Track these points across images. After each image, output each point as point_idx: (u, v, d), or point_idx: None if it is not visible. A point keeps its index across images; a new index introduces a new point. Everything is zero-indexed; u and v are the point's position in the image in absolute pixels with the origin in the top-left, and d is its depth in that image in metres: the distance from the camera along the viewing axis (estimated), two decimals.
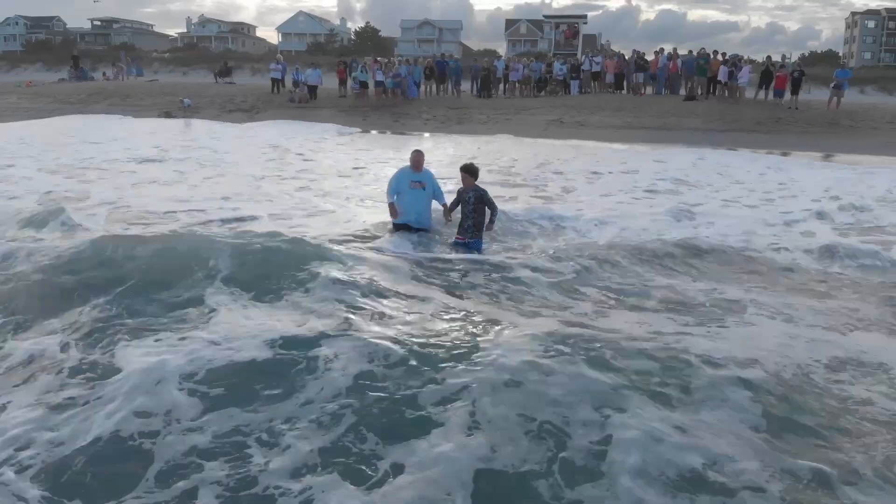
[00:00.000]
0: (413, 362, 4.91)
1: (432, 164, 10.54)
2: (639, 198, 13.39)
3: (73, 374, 4.87)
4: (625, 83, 29.24)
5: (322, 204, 11.84)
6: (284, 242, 7.17)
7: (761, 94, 26.55)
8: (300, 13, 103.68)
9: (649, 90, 29.10)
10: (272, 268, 6.59)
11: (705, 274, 8.25)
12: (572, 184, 14.71)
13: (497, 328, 5.55)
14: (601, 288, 7.39)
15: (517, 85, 30.51)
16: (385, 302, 6.13)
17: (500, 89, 31.14)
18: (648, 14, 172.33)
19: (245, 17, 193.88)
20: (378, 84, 28.63)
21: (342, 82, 30.55)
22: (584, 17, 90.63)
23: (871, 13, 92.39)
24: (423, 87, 30.11)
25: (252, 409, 4.40)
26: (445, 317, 5.90)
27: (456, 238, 8.68)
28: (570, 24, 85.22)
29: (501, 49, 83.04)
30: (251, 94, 31.21)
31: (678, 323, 6.21)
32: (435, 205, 8.99)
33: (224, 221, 10.20)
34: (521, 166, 16.74)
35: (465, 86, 31.22)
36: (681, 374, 4.81)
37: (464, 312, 6.04)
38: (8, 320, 5.82)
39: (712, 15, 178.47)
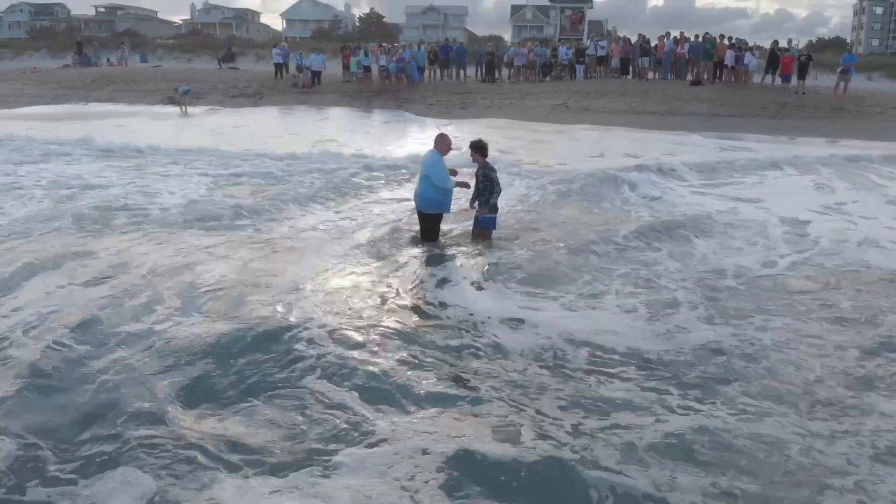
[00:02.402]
0: None
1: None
2: None
3: None
4: (630, 68, 29.08)
5: None
6: None
7: (768, 79, 26.40)
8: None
9: (655, 75, 28.91)
10: None
11: None
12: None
13: None
14: None
15: (521, 70, 30.37)
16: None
17: (504, 74, 31.05)
18: (657, 0, 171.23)
19: (249, 3, 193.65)
20: (381, 69, 28.55)
21: (346, 67, 30.42)
22: (591, 1, 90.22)
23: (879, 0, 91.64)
24: (426, 72, 30.02)
25: None
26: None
27: (493, 214, 8.90)
28: (575, 9, 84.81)
29: (507, 35, 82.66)
30: (255, 79, 31.17)
31: None
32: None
33: None
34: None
35: (470, 71, 31.12)
36: None
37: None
38: None
39: (721, 1, 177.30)
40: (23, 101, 27.41)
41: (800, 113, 23.07)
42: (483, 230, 8.91)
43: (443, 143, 8.74)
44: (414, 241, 8.94)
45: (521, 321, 6.39)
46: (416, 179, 9.10)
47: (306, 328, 6.04)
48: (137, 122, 21.68)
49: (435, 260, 8.23)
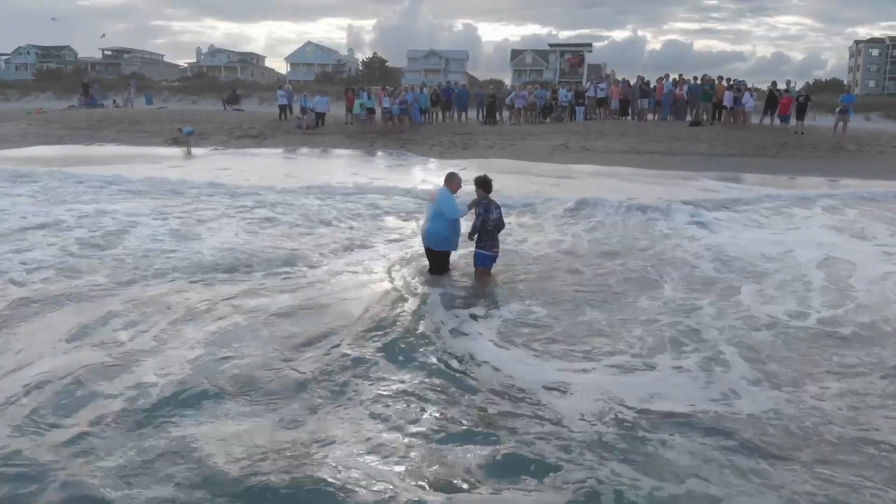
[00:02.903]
0: None
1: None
2: None
3: None
4: (630, 109, 29.37)
5: None
6: None
7: (766, 120, 26.65)
8: (308, 43, 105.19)
9: (654, 117, 29.18)
10: None
11: None
12: None
13: None
14: None
15: (522, 111, 30.68)
16: None
17: (504, 116, 31.37)
18: (654, 45, 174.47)
19: (254, 47, 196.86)
20: (385, 111, 28.89)
21: (349, 109, 30.74)
22: (590, 45, 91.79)
23: (874, 41, 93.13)
24: (429, 114, 30.31)
25: None
26: None
27: (494, 252, 8.93)
28: (574, 53, 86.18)
29: (507, 79, 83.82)
30: (259, 121, 31.49)
31: None
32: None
33: None
34: None
35: (472, 114, 31.46)
36: None
37: None
38: None
39: (717, 45, 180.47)
40: (27, 142, 27.63)
41: (800, 152, 23.21)
42: (476, 266, 9.01)
43: (454, 182, 8.96)
44: (427, 278, 8.95)
45: (566, 384, 6.03)
46: (425, 217, 9.18)
47: (340, 396, 5.63)
48: (146, 167, 21.66)
49: (460, 309, 7.94)
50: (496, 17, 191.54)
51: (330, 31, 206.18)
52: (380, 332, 7.11)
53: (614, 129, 26.72)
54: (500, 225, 8.85)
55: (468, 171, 11.26)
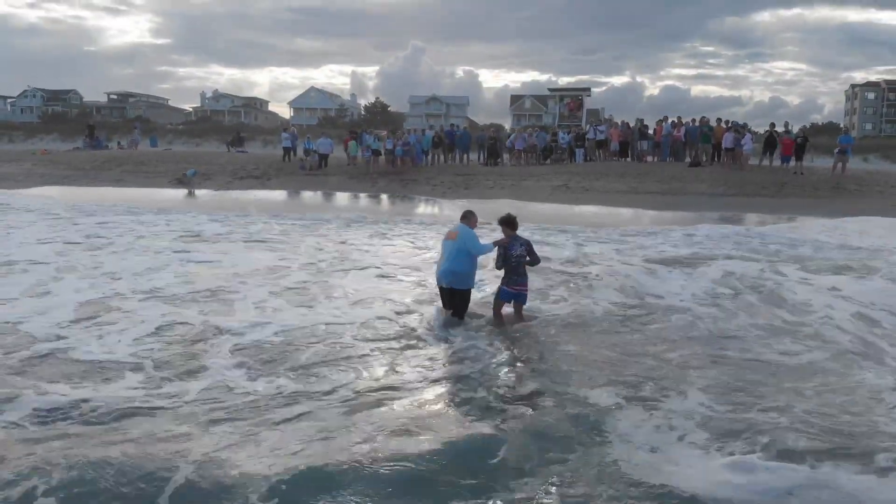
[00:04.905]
0: None
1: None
2: None
3: None
4: (629, 151, 29.61)
5: None
6: None
7: (765, 161, 26.84)
8: (312, 89, 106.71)
9: (654, 158, 29.39)
10: None
11: None
12: None
13: None
14: None
15: (522, 153, 30.95)
16: None
17: (505, 158, 31.66)
18: (652, 90, 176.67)
19: (258, 92, 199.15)
20: (387, 152, 29.24)
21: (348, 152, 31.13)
22: (588, 90, 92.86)
23: (870, 85, 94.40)
24: (430, 155, 30.64)
25: None
26: None
27: (514, 289, 8.72)
28: (573, 97, 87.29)
29: (507, 123, 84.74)
30: (262, 162, 31.76)
31: None
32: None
33: None
34: None
35: (473, 157, 31.76)
36: None
37: None
38: None
39: (715, 90, 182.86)
40: (32, 181, 27.85)
41: (800, 192, 23.35)
42: (496, 299, 8.90)
43: (472, 218, 8.93)
44: (449, 319, 8.65)
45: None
46: (441, 257, 8.87)
47: None
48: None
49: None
50: (496, 63, 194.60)
51: (333, 76, 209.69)
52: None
53: (614, 170, 26.91)
54: (522, 261, 8.61)
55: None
